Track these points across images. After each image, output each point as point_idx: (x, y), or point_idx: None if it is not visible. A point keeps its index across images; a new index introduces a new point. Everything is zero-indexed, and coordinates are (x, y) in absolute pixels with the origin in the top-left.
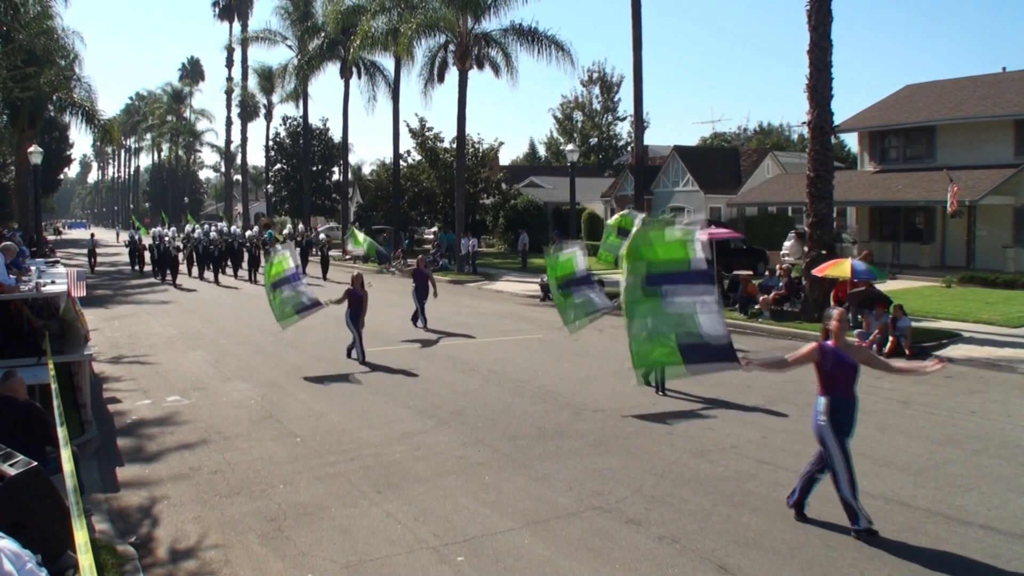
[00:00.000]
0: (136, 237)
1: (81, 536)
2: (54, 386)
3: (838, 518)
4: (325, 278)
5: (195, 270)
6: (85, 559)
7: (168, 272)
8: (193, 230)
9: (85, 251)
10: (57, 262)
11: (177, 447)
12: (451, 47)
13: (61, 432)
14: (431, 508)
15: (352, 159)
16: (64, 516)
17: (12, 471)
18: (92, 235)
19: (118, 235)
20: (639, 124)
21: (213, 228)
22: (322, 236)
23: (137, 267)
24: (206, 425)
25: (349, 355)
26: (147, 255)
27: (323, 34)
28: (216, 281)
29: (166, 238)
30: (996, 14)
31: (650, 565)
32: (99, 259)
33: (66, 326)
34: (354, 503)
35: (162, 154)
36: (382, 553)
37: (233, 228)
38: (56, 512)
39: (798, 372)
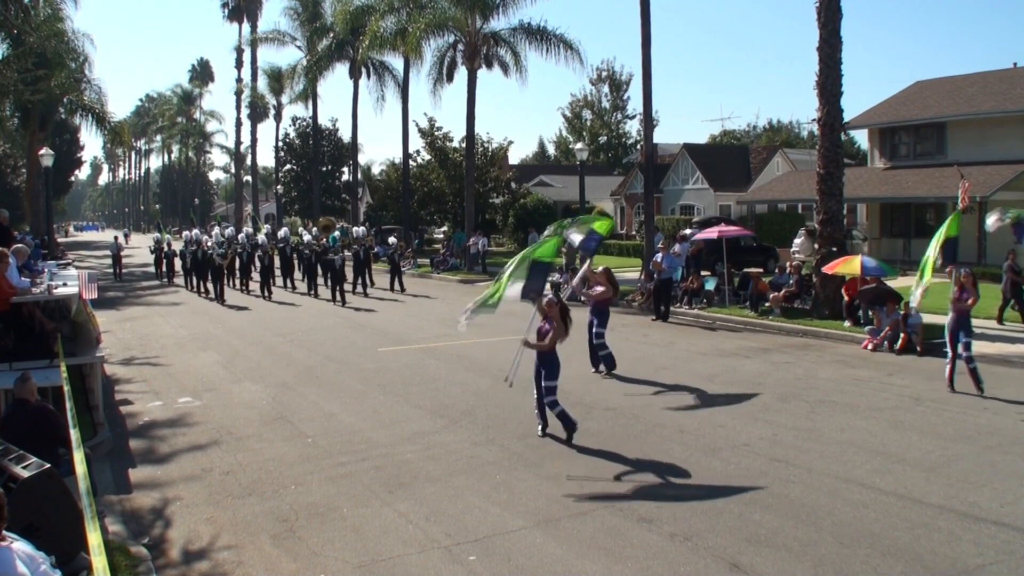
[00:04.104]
0: (166, 242)
1: (94, 537)
2: (66, 388)
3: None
4: (402, 289)
5: (237, 281)
6: (99, 560)
7: (208, 283)
8: (235, 234)
9: (108, 255)
10: (69, 264)
11: (189, 448)
12: (460, 47)
13: (74, 434)
14: (442, 508)
15: (362, 159)
16: (77, 518)
17: (25, 473)
18: (116, 238)
19: (127, 236)
20: (648, 122)
21: (262, 233)
22: (392, 240)
23: (166, 277)
24: (218, 426)
25: (544, 432)
26: (177, 262)
27: (332, 34)
28: (266, 295)
29: (207, 243)
30: (1007, 10)
31: (662, 563)
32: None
33: (78, 328)
34: (366, 503)
35: (172, 155)
36: (394, 553)
37: (282, 232)
38: (69, 514)
39: (808, 370)
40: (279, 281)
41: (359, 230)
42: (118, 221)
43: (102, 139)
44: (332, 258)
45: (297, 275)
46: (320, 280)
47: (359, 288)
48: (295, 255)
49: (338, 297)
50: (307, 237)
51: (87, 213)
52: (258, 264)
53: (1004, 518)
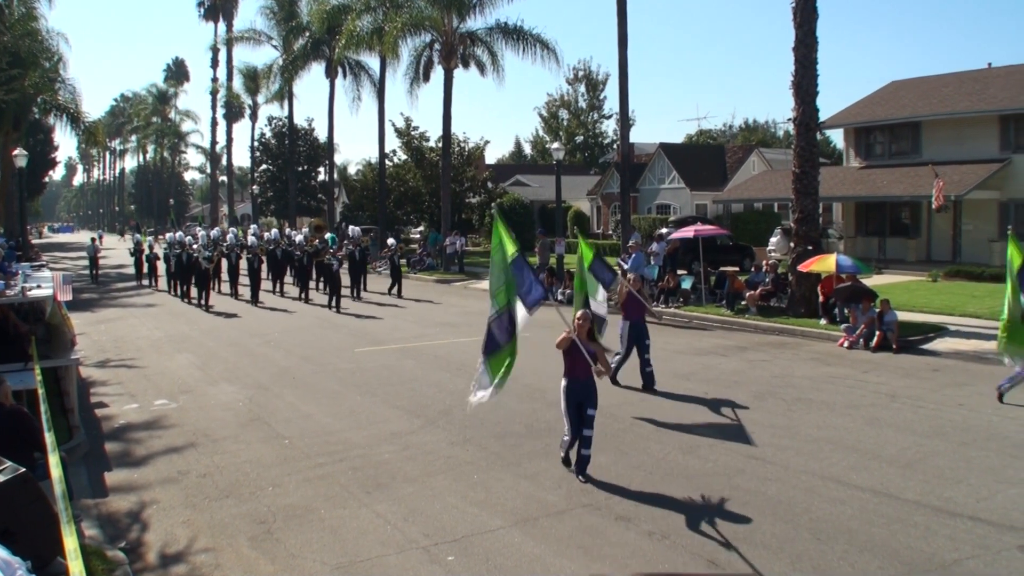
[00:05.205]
0: (147, 244)
1: (71, 542)
2: (41, 391)
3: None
4: (400, 295)
5: (225, 286)
6: (75, 565)
7: (193, 289)
8: (222, 235)
9: (84, 256)
10: (43, 266)
11: (165, 451)
12: (436, 46)
13: (49, 437)
14: (420, 508)
15: (338, 159)
16: (53, 522)
17: (0, 478)
18: (93, 239)
19: (101, 237)
20: (625, 122)
21: (251, 233)
22: (391, 241)
23: (148, 281)
24: (194, 428)
25: (569, 462)
26: (160, 265)
27: (308, 34)
28: (255, 300)
29: (192, 246)
30: (981, 10)
31: (640, 561)
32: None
33: (52, 330)
34: (343, 504)
35: (147, 156)
36: (372, 554)
37: (271, 233)
38: (45, 518)
39: (784, 368)
40: (267, 285)
41: (355, 230)
42: (93, 222)
43: (76, 139)
44: (330, 261)
45: (288, 279)
46: (313, 284)
47: (355, 292)
48: (285, 257)
49: (336, 303)
50: (298, 238)
51: (61, 214)
52: (246, 267)
53: (979, 513)
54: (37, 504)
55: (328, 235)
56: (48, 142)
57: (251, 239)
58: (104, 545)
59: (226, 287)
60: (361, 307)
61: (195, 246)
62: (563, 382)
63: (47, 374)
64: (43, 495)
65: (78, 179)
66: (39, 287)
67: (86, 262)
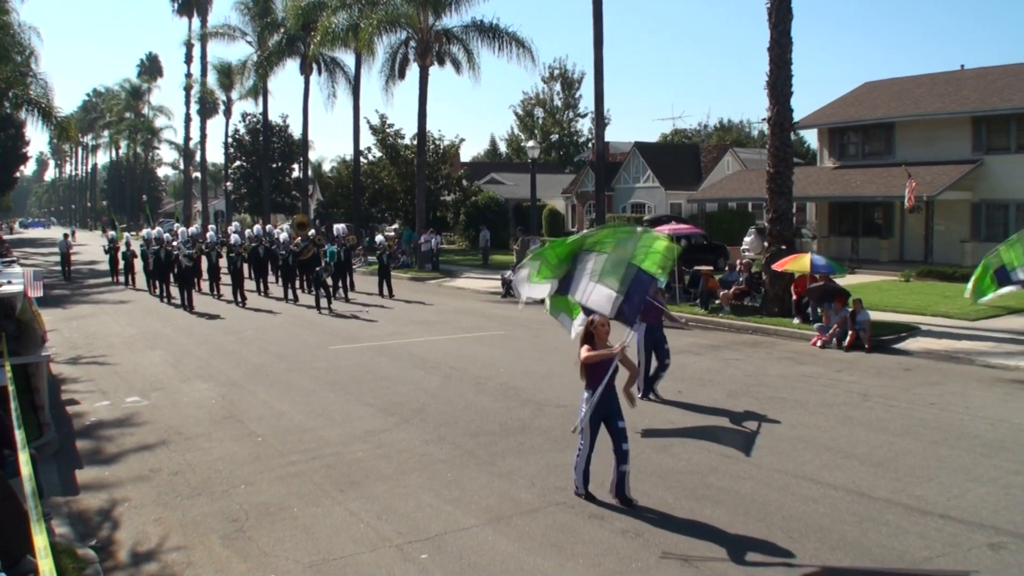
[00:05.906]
0: (123, 241)
1: (41, 540)
2: (11, 388)
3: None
4: (391, 295)
5: (205, 285)
6: (45, 563)
7: (173, 288)
8: (202, 232)
9: (57, 252)
10: (14, 261)
11: (137, 448)
12: (412, 43)
13: (19, 435)
14: (394, 506)
15: (312, 156)
16: (23, 520)
17: None
18: (65, 236)
19: (74, 233)
20: (600, 121)
21: (235, 231)
22: (380, 239)
23: (123, 278)
24: (166, 426)
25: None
26: (136, 263)
27: (283, 30)
28: (238, 300)
29: (172, 243)
30: (955, 12)
31: (614, 559)
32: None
33: (23, 327)
34: (316, 502)
35: (120, 151)
36: (345, 552)
37: (254, 230)
38: (15, 516)
39: (757, 367)
40: (250, 284)
41: (340, 227)
42: (65, 218)
43: (48, 134)
44: (319, 272)
45: (271, 278)
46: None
47: (339, 292)
48: (268, 256)
49: (317, 305)
50: (282, 236)
51: (32, 210)
52: (229, 266)
53: (950, 511)
54: (7, 501)
55: (328, 248)
56: (19, 137)
57: (234, 237)
58: (75, 543)
59: (205, 286)
60: (338, 305)
61: (174, 243)
62: (587, 393)
63: (17, 371)
64: (13, 492)
65: (50, 174)
66: (9, 283)
67: (58, 258)
